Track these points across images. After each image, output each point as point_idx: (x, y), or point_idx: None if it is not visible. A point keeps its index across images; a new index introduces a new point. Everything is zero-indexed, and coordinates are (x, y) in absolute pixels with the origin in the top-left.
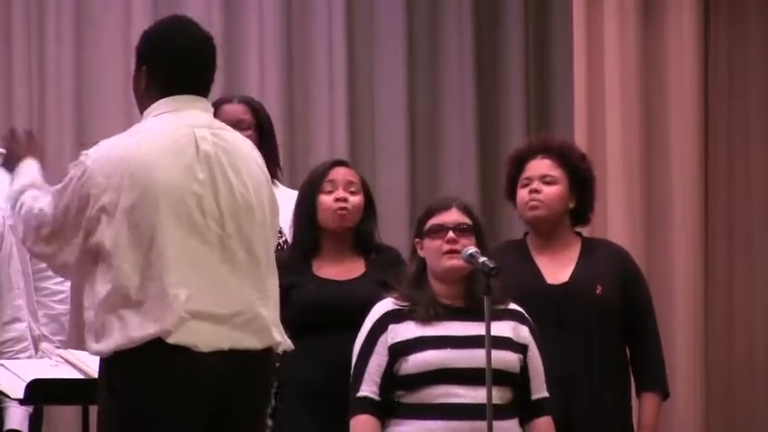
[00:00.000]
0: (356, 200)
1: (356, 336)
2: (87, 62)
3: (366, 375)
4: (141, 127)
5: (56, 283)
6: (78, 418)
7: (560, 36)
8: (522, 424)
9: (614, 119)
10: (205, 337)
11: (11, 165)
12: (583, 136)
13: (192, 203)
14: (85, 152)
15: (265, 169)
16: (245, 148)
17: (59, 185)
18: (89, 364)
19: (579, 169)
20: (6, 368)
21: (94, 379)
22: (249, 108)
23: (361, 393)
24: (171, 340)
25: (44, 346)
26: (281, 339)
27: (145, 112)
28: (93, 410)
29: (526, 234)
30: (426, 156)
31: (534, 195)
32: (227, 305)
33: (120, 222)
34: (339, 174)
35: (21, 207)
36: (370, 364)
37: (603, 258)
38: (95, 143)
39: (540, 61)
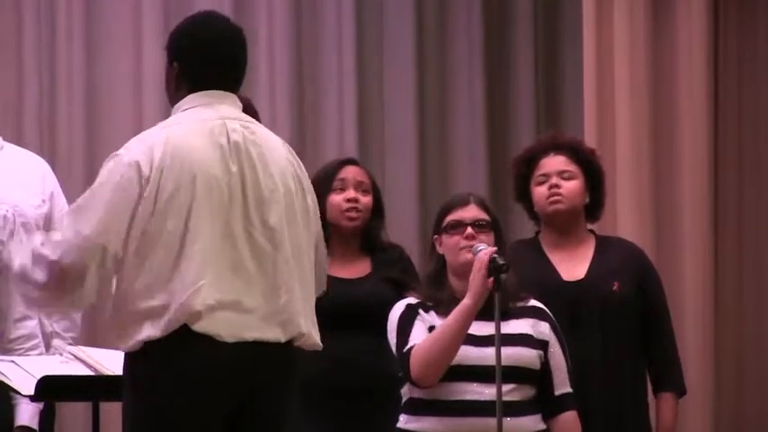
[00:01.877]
0: (366, 200)
1: (362, 334)
2: (98, 59)
3: (412, 336)
4: (174, 120)
5: None
6: (89, 414)
7: (570, 33)
8: (547, 420)
9: (624, 116)
10: (229, 328)
11: None
12: (592, 133)
13: (225, 194)
14: (118, 152)
15: (298, 163)
16: (274, 141)
17: (96, 183)
18: (100, 361)
19: (592, 164)
20: (17, 365)
21: (105, 376)
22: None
23: (409, 345)
24: (196, 327)
25: (56, 342)
26: (307, 331)
27: (174, 107)
28: (104, 407)
29: (537, 233)
30: (436, 152)
31: (555, 190)
32: (251, 296)
33: (161, 212)
34: (350, 173)
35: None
36: (414, 331)
37: (618, 255)
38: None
39: (549, 58)
